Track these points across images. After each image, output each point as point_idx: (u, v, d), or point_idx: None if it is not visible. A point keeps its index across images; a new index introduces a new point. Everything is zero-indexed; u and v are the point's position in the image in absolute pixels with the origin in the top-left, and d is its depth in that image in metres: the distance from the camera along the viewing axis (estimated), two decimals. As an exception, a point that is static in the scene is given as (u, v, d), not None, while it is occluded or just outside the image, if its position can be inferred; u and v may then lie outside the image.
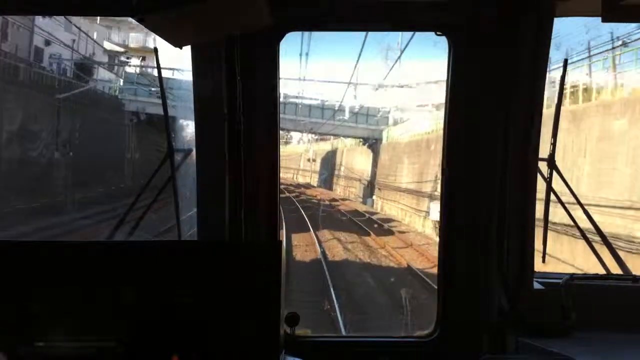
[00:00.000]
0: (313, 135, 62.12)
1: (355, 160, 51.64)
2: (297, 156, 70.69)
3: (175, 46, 2.81)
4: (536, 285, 3.48)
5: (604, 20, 2.89)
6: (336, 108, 44.45)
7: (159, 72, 3.80)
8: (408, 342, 3.85)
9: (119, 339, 2.87)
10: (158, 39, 2.71)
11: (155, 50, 3.73)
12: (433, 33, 3.61)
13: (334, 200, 44.14)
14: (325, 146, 64.71)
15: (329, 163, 60.87)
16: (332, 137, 61.00)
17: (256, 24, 2.94)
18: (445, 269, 3.72)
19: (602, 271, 3.58)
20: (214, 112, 3.48)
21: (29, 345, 2.84)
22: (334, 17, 3.58)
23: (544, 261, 3.66)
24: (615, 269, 3.59)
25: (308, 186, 58.43)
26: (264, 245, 3.27)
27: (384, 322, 14.04)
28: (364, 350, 3.74)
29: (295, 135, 77.25)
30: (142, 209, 3.66)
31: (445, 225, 3.68)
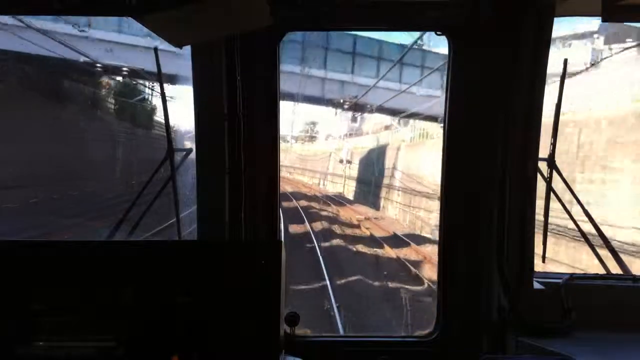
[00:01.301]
0: (350, 120, 45.79)
1: (427, 162, 27.65)
2: (325, 156, 52.54)
3: (175, 46, 2.81)
4: (536, 285, 3.48)
5: (604, 20, 2.89)
6: (403, 60, 23.21)
7: (159, 72, 3.79)
8: (408, 342, 3.85)
9: (119, 339, 2.88)
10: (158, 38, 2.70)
11: (155, 50, 3.73)
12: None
13: (402, 242, 20.86)
14: (366, 141, 44.47)
15: (374, 166, 38.77)
16: (379, 126, 42.43)
17: (256, 24, 2.94)
18: (445, 269, 3.72)
19: (602, 271, 3.59)
20: (214, 112, 3.48)
21: (29, 345, 2.84)
22: (334, 17, 3.58)
23: (544, 261, 3.66)
24: (616, 269, 3.60)
25: (340, 201, 37.53)
26: (264, 245, 3.27)
27: None
28: (364, 350, 3.74)
29: (323, 130, 61.70)
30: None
31: (445, 225, 3.68)
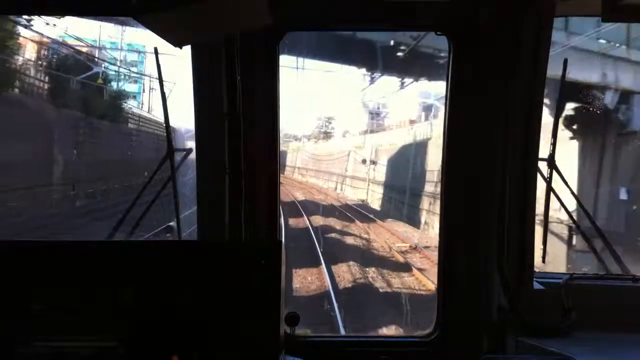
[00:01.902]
0: (374, 109, 40.03)
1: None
2: (343, 156, 43.31)
3: (175, 46, 2.81)
4: (536, 285, 3.48)
5: (604, 20, 2.89)
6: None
7: (159, 72, 3.80)
8: (408, 342, 3.85)
9: (119, 339, 2.88)
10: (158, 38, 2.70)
11: (155, 50, 3.73)
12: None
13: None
14: (396, 137, 35.32)
15: (410, 168, 29.54)
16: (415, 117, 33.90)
17: (256, 24, 2.94)
18: (445, 269, 3.72)
19: (602, 271, 3.59)
20: (214, 112, 3.48)
21: (29, 345, 2.84)
22: (334, 17, 3.58)
23: (544, 261, 3.66)
24: (616, 269, 3.60)
25: (367, 214, 27.46)
26: (264, 245, 3.27)
27: None
28: (364, 350, 3.74)
29: (340, 125, 53.02)
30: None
31: (445, 225, 3.68)
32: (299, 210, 27.44)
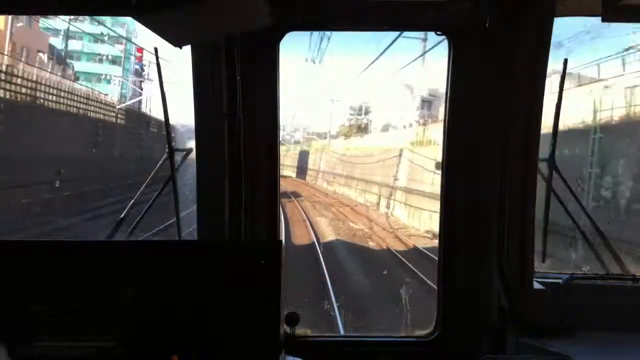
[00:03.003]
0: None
1: None
2: (390, 157, 30.09)
3: (175, 46, 2.82)
4: (536, 285, 3.49)
5: (604, 20, 2.89)
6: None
7: (159, 72, 3.80)
8: (408, 342, 3.85)
9: (119, 339, 2.88)
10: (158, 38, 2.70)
11: (156, 50, 3.73)
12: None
13: None
14: None
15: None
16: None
17: (256, 24, 2.95)
18: (445, 269, 3.72)
19: (602, 271, 3.59)
20: (214, 112, 3.48)
21: (29, 345, 2.85)
22: (334, 17, 3.59)
23: (544, 261, 3.66)
24: (615, 269, 3.60)
25: None
26: (264, 245, 3.27)
27: None
28: (364, 350, 3.74)
29: (377, 117, 38.85)
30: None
31: (445, 226, 3.69)
32: (327, 286, 13.53)
